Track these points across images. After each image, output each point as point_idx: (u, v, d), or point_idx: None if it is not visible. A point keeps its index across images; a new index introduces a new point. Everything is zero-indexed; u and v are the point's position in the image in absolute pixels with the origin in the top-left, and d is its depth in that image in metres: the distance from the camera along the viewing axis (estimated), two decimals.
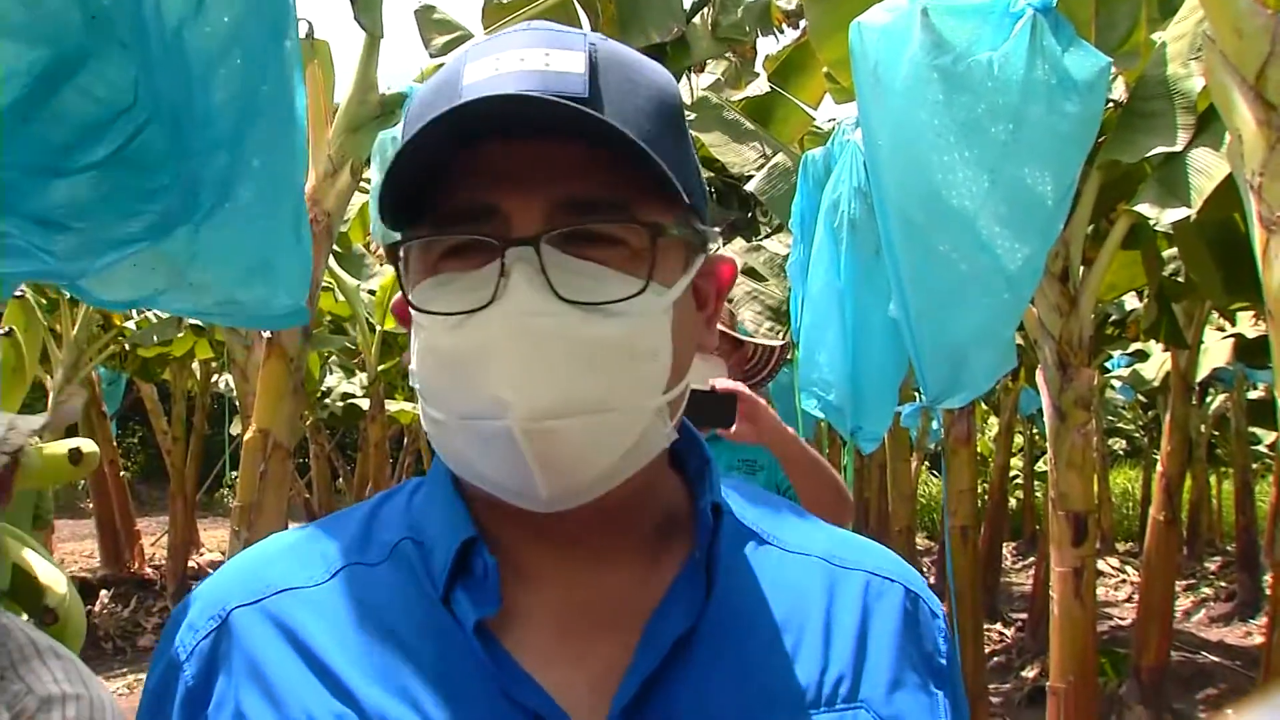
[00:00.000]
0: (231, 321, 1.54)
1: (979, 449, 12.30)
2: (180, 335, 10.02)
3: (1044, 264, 3.14)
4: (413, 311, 0.84)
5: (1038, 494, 20.84)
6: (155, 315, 9.55)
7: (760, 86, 8.37)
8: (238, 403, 7.26)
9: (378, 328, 10.59)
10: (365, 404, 12.54)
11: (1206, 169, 4.41)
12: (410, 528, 0.91)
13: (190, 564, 12.66)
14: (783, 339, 3.35)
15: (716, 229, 0.89)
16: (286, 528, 6.27)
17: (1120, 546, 17.29)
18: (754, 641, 0.86)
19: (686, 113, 5.21)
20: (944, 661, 0.92)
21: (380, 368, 11.58)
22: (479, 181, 0.80)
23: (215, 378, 14.24)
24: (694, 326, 0.89)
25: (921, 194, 3.06)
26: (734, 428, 2.46)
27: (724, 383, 2.53)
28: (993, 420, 17.24)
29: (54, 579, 1.95)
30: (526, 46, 0.82)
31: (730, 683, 0.83)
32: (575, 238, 0.80)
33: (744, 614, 0.87)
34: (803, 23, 7.84)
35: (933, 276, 3.05)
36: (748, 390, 2.55)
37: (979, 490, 10.93)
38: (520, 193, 0.80)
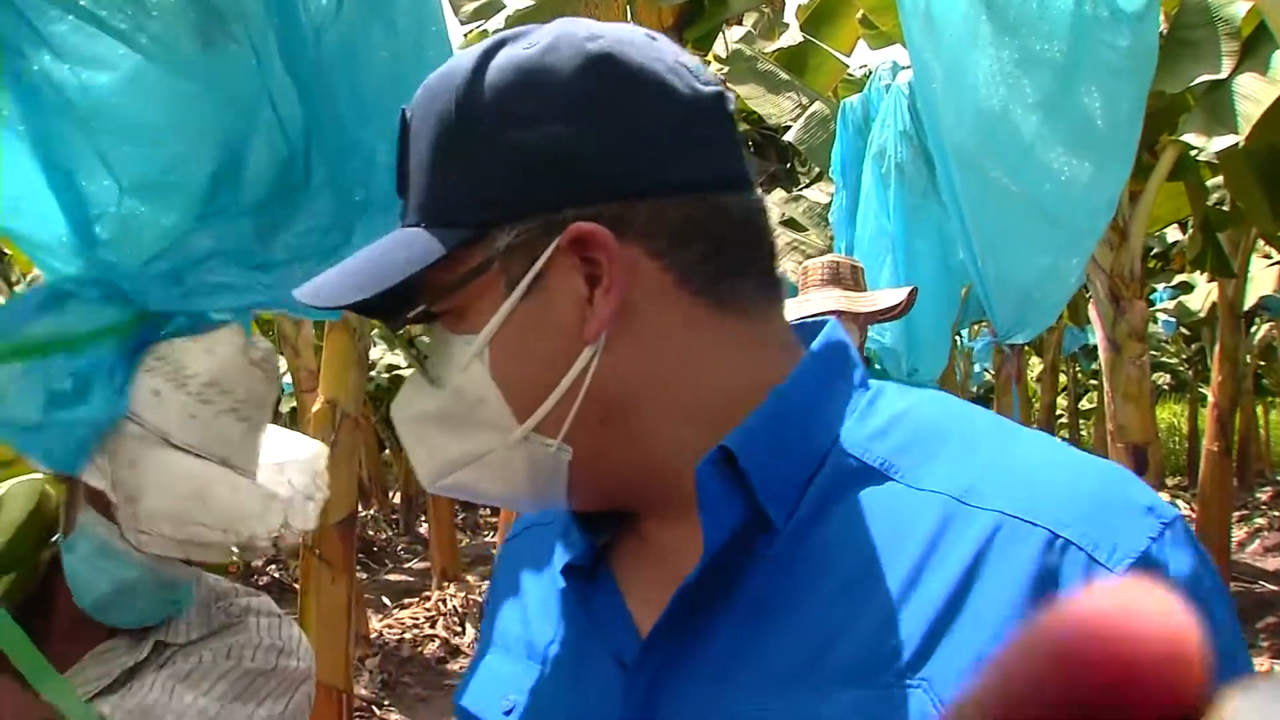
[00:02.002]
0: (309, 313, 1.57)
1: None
2: None
3: (1116, 197, 3.16)
4: None
5: (1083, 431, 20.80)
6: None
7: (793, 37, 8.35)
8: (290, 378, 7.30)
9: None
10: None
11: (1253, 95, 4.40)
12: None
13: None
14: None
15: (562, 206, 0.80)
16: (361, 495, 6.36)
17: (1169, 481, 17.21)
18: (814, 600, 0.75)
19: (719, 67, 5.17)
20: None
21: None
22: None
23: None
24: (560, 328, 0.81)
25: (980, 132, 3.08)
26: None
27: None
28: (1034, 360, 17.15)
29: None
30: None
31: (762, 645, 0.76)
32: (418, 320, 0.86)
33: (813, 570, 0.76)
34: None
35: (996, 213, 3.07)
36: None
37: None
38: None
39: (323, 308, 0.83)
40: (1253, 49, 4.44)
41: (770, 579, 0.77)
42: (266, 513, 1.38)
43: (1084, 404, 22.09)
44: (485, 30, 5.09)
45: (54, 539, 1.41)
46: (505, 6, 5.12)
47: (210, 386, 1.35)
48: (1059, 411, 18.29)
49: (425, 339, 0.89)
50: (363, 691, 7.33)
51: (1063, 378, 17.84)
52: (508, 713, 0.89)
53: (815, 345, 0.85)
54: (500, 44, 0.81)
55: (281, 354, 7.53)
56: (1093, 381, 20.51)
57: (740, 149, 0.86)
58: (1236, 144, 4.43)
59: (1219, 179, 6.73)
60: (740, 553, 0.78)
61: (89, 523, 1.34)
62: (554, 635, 0.89)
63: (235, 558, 1.38)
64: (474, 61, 0.80)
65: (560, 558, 0.91)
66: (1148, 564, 0.68)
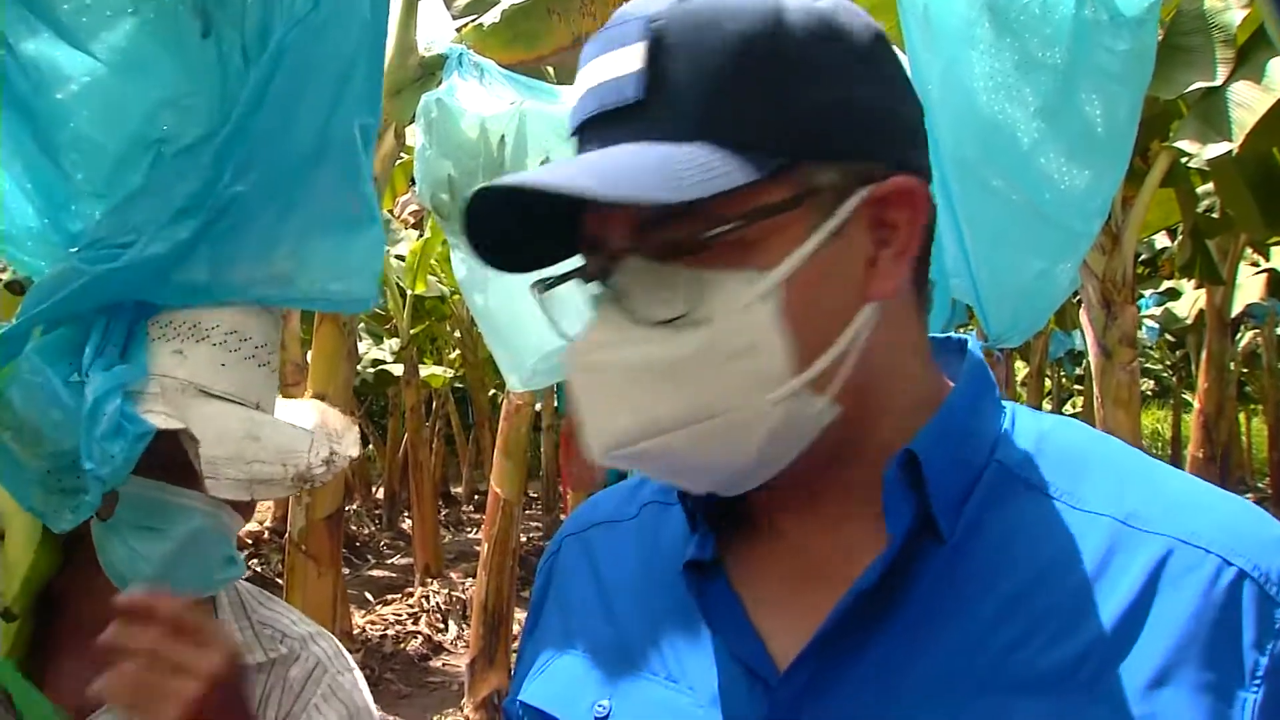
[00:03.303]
0: (313, 307, 1.54)
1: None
2: None
3: (1109, 201, 3.15)
4: None
5: None
6: None
7: None
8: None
9: (409, 293, 10.61)
10: (397, 369, 12.58)
11: (1248, 103, 4.40)
12: (661, 491, 0.98)
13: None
14: None
15: (897, 152, 0.81)
16: (345, 491, 6.35)
17: None
18: (983, 609, 0.76)
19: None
20: (1265, 659, 0.71)
21: (412, 332, 11.63)
22: (588, 212, 0.81)
23: None
24: (847, 282, 0.78)
25: (978, 135, 3.07)
26: None
27: None
28: (1019, 365, 17.21)
29: None
30: (593, 58, 0.80)
31: (935, 651, 0.76)
32: (663, 251, 0.78)
33: (981, 578, 0.78)
34: None
35: (991, 216, 3.06)
36: None
37: None
38: (601, 222, 0.80)
39: (611, 200, 0.73)
40: (1248, 56, 4.44)
41: (935, 589, 0.78)
42: (315, 444, 1.41)
43: (1068, 409, 22.19)
44: (480, 24, 5.05)
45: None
46: (499, 1, 5.09)
47: (232, 334, 1.37)
48: None
49: (624, 277, 0.79)
50: None
51: (1047, 382, 17.88)
52: (602, 717, 0.86)
53: (969, 363, 0.87)
54: None
55: None
56: (1077, 386, 20.60)
57: None
58: (1229, 151, 4.43)
59: (1209, 186, 6.75)
60: (909, 560, 0.78)
61: (134, 490, 1.31)
62: (660, 638, 0.87)
63: (298, 489, 1.41)
64: None
65: (656, 556, 0.92)
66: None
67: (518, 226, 0.82)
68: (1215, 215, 7.17)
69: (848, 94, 0.77)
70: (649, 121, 0.76)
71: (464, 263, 3.94)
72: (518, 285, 3.91)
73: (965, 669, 0.75)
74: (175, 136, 1.36)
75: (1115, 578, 0.75)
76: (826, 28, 0.77)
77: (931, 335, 0.88)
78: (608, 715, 0.85)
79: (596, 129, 0.79)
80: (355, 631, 8.45)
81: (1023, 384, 16.72)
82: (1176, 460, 16.12)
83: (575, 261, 0.85)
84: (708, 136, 0.75)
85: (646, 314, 0.77)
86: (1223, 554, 0.74)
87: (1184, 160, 5.04)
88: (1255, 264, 9.52)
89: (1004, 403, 0.88)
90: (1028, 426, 0.86)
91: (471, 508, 15.93)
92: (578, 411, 0.79)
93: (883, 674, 0.76)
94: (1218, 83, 4.42)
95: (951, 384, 0.86)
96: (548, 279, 0.87)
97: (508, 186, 0.75)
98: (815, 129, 0.77)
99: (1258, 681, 0.71)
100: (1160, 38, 4.56)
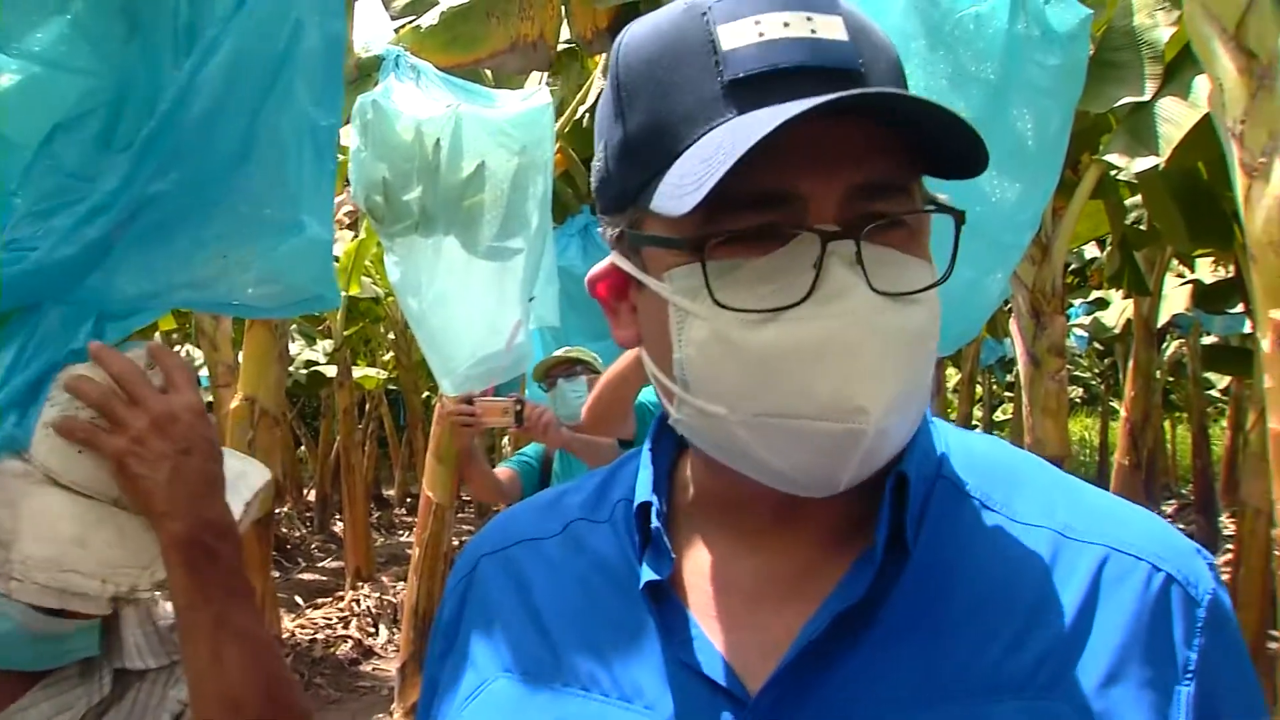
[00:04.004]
0: (239, 313, 1.50)
1: None
2: None
3: (1040, 213, 3.19)
4: (679, 300, 0.79)
5: None
6: None
7: None
8: (207, 373, 7.19)
9: (343, 293, 10.52)
10: (330, 371, 12.49)
11: (1174, 118, 4.48)
12: (630, 488, 0.93)
13: None
14: None
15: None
16: (276, 493, 6.28)
17: None
18: (946, 619, 0.79)
19: None
20: (1193, 654, 0.77)
21: (345, 333, 11.54)
22: (772, 164, 0.74)
23: (178, 348, 14.12)
24: None
25: None
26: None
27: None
28: (951, 371, 17.39)
29: None
30: (786, 9, 0.77)
31: (906, 661, 0.78)
32: (872, 223, 0.76)
33: (941, 589, 0.81)
34: None
35: None
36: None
37: None
38: (820, 177, 0.76)
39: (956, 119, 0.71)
40: (1175, 73, 4.52)
41: (901, 601, 0.80)
42: (155, 561, 1.23)
43: (999, 415, 22.46)
44: (419, 26, 5.02)
45: None
46: (438, 3, 5.07)
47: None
48: (974, 423, 18.55)
49: (872, 248, 0.76)
50: None
51: (979, 389, 18.09)
52: None
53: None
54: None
55: (199, 348, 7.41)
56: (1008, 394, 20.86)
57: None
58: (1156, 165, 4.51)
59: (1137, 199, 6.86)
60: (880, 574, 0.80)
61: None
62: (609, 659, 0.85)
63: (111, 609, 1.25)
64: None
65: (594, 575, 0.90)
66: (1216, 597, 0.81)
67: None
68: (1143, 227, 7.29)
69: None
70: (909, 101, 0.73)
71: (398, 265, 3.91)
72: (452, 290, 3.88)
73: (934, 677, 0.77)
74: (97, 135, 1.31)
75: (1061, 584, 0.80)
76: None
77: None
78: None
79: (808, 81, 0.75)
80: (285, 635, 8.36)
81: (954, 390, 16.90)
82: (1104, 467, 16.36)
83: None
84: None
85: (886, 286, 0.75)
86: (1152, 560, 0.80)
87: (1113, 173, 5.12)
88: (1181, 275, 9.70)
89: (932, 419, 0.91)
90: (958, 443, 0.90)
91: (404, 511, 15.84)
92: (803, 369, 0.75)
93: (855, 686, 0.78)
94: (1146, 98, 4.50)
95: None
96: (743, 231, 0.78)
97: (856, 96, 0.71)
98: None
99: (1189, 675, 0.77)
100: (1091, 53, 4.63)
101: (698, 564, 0.87)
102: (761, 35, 0.76)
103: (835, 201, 0.76)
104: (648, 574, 0.84)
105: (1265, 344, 2.73)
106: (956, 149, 0.76)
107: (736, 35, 0.77)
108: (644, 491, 0.89)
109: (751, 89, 0.76)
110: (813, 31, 0.76)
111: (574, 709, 0.84)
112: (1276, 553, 2.87)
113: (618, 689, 0.83)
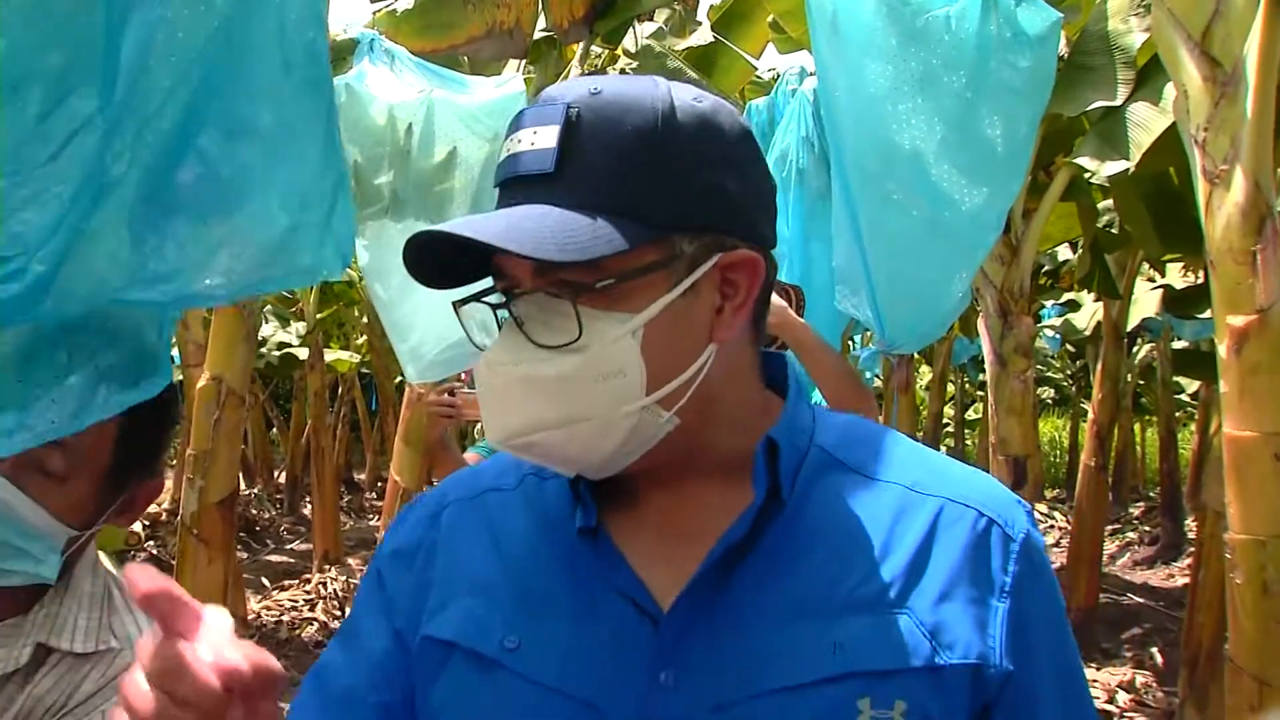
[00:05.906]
0: (194, 304, 1.47)
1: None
2: None
3: (1005, 214, 3.22)
4: None
5: (968, 441, 21.21)
6: None
7: (703, 36, 8.35)
8: (178, 351, 7.15)
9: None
10: (303, 353, 12.44)
11: (1145, 123, 4.51)
12: (535, 468, 1.15)
13: None
14: None
15: (749, 231, 1.04)
16: (239, 476, 6.27)
17: (1048, 493, 17.62)
18: (814, 556, 1.01)
19: (628, 62, 5.16)
20: (1008, 579, 1.01)
21: (319, 316, 11.50)
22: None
23: None
24: (696, 326, 1.01)
25: (879, 144, 3.11)
26: None
27: None
28: (924, 369, 17.46)
29: None
30: (522, 128, 1.00)
31: (778, 589, 1.00)
32: (557, 290, 0.98)
33: (810, 532, 1.02)
34: None
35: (891, 225, 3.11)
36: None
37: (915, 437, 11.09)
38: (511, 260, 0.99)
39: (519, 255, 0.92)
40: (1147, 78, 4.55)
41: (778, 541, 1.02)
42: None
43: (970, 414, 22.54)
44: (395, 10, 5.01)
45: None
46: None
47: None
48: (945, 421, 18.64)
49: (523, 307, 0.99)
50: None
51: (951, 387, 18.17)
52: (512, 649, 1.03)
53: (792, 374, 1.13)
54: (668, 87, 1.00)
55: None
56: (980, 392, 20.93)
57: None
58: (1127, 169, 4.54)
59: (1109, 202, 6.90)
60: (761, 519, 1.01)
61: None
62: (557, 587, 1.05)
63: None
64: (666, 96, 0.99)
65: (543, 520, 1.10)
66: (1029, 535, 1.03)
67: (450, 254, 1.01)
68: (1114, 231, 7.33)
69: (717, 181, 0.99)
70: (558, 190, 0.96)
71: (367, 249, 3.90)
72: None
73: (805, 599, 0.99)
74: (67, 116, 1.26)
75: (906, 528, 1.02)
76: (705, 126, 0.99)
77: (763, 350, 1.12)
78: (518, 647, 1.02)
79: (518, 187, 0.98)
80: (250, 617, 8.34)
81: (926, 388, 16.96)
82: (1073, 468, 16.44)
83: (487, 283, 1.05)
84: (602, 207, 0.95)
85: (540, 338, 0.98)
86: (978, 508, 1.03)
87: (1085, 176, 5.15)
88: (1151, 279, 9.74)
89: (809, 404, 1.13)
90: (828, 421, 1.12)
91: (374, 495, 15.79)
92: (483, 409, 1.02)
93: (743, 605, 0.99)
94: (1118, 102, 4.53)
95: (772, 392, 1.12)
96: (465, 297, 1.07)
97: (443, 233, 0.95)
98: (687, 209, 0.98)
99: (1005, 594, 1.00)
100: (1065, 56, 4.66)
101: (623, 508, 1.08)
102: (508, 151, 1.00)
103: (526, 279, 1.00)
104: (580, 520, 1.05)
105: (1222, 349, 2.76)
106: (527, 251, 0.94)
107: (506, 147, 1.01)
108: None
109: (500, 191, 1.01)
110: (532, 144, 0.98)
111: (532, 626, 1.03)
112: (1228, 555, 2.90)
113: (567, 612, 1.03)
